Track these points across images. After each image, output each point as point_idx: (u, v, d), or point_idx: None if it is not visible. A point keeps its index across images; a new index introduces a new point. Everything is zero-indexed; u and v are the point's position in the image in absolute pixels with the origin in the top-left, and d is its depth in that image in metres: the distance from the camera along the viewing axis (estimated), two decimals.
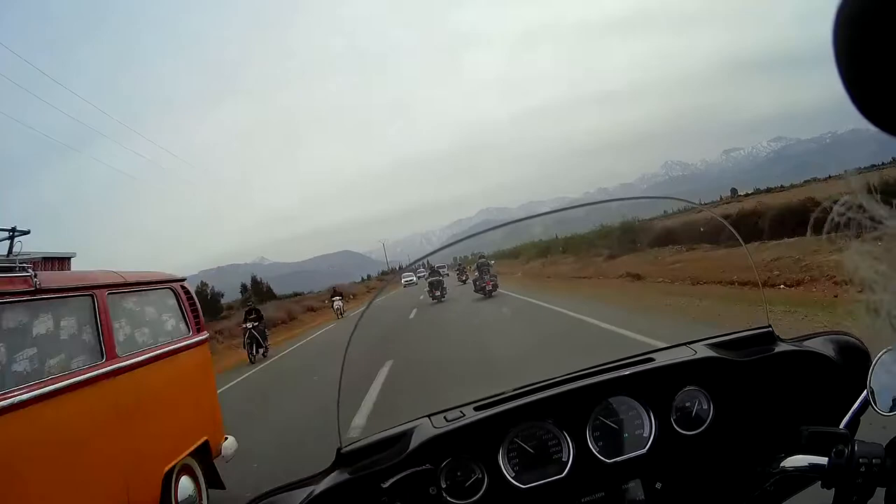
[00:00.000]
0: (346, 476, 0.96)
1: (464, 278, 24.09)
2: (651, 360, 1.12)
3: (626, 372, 1.08)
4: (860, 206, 0.41)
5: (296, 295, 46.89)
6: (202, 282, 36.36)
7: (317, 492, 0.94)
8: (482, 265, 16.48)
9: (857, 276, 0.41)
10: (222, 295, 36.44)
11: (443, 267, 19.49)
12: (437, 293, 18.01)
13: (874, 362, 0.84)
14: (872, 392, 0.84)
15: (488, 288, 16.10)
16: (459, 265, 25.80)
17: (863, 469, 0.74)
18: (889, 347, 0.81)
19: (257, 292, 39.23)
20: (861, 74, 0.35)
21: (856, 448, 0.77)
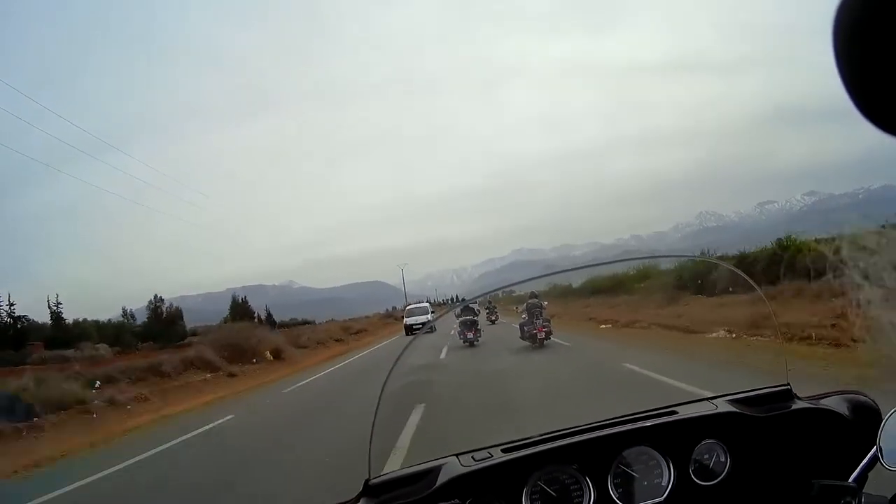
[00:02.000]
0: None
1: (493, 318, 21.49)
2: (674, 412, 1.17)
3: (650, 423, 1.12)
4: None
5: (304, 323, 42.29)
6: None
7: None
8: (533, 306, 12.45)
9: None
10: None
11: (475, 304, 16.02)
12: (470, 335, 14.45)
13: (884, 421, 0.92)
14: (881, 449, 0.91)
15: (540, 336, 12.11)
16: (490, 303, 23.01)
17: None
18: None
19: (242, 313, 36.02)
20: (861, 75, 0.35)
21: (862, 500, 0.88)
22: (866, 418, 1.10)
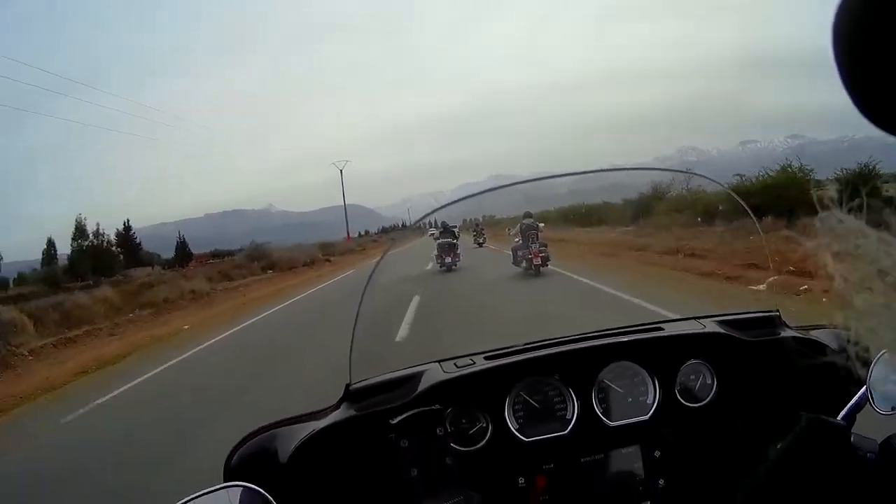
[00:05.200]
0: (352, 412, 0.96)
1: (480, 241, 19.97)
2: (660, 328, 1.14)
3: (635, 337, 1.10)
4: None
5: (226, 255, 36.86)
6: None
7: (321, 426, 0.94)
8: (527, 228, 10.23)
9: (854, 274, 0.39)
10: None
11: (455, 227, 14.63)
12: (448, 259, 13.29)
13: (873, 362, 0.85)
14: (870, 391, 0.90)
15: (536, 262, 10.12)
16: (477, 225, 22.00)
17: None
18: (887, 349, 0.72)
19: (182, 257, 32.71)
20: (862, 75, 0.35)
21: (851, 440, 0.85)
22: (855, 356, 0.80)
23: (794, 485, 0.92)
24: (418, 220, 1.52)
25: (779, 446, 0.87)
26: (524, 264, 10.29)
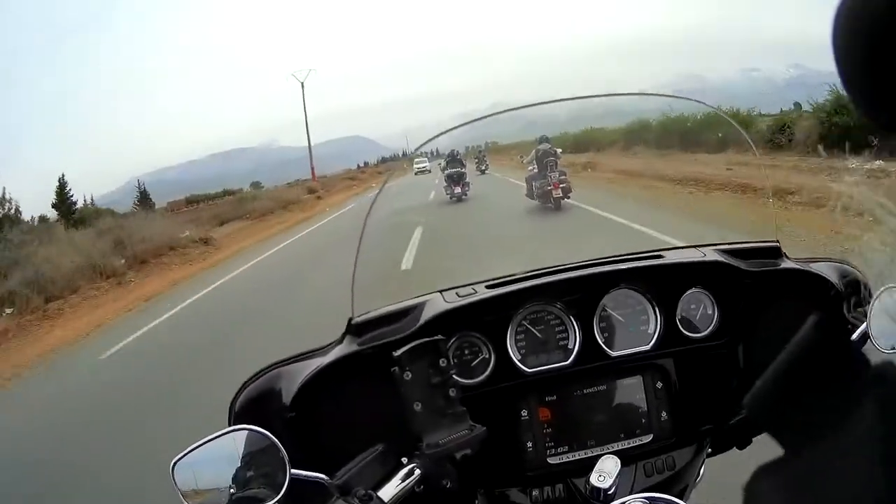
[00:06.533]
0: (355, 346, 0.96)
1: (483, 168, 19.84)
2: (661, 256, 1.13)
3: (635, 265, 1.08)
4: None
5: (202, 200, 33.20)
6: None
7: (326, 361, 0.94)
8: (545, 154, 9.03)
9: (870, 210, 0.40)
10: None
11: (461, 155, 14.47)
12: (458, 189, 13.10)
13: (874, 298, 0.88)
14: (870, 327, 0.88)
15: (556, 193, 8.82)
16: (480, 153, 22.33)
17: None
18: (890, 285, 0.89)
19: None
20: (862, 75, 0.36)
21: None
22: (856, 291, 1.06)
23: (800, 378, 0.94)
24: (417, 149, 1.41)
25: (787, 348, 0.87)
26: (541, 198, 9.29)
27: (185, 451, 0.72)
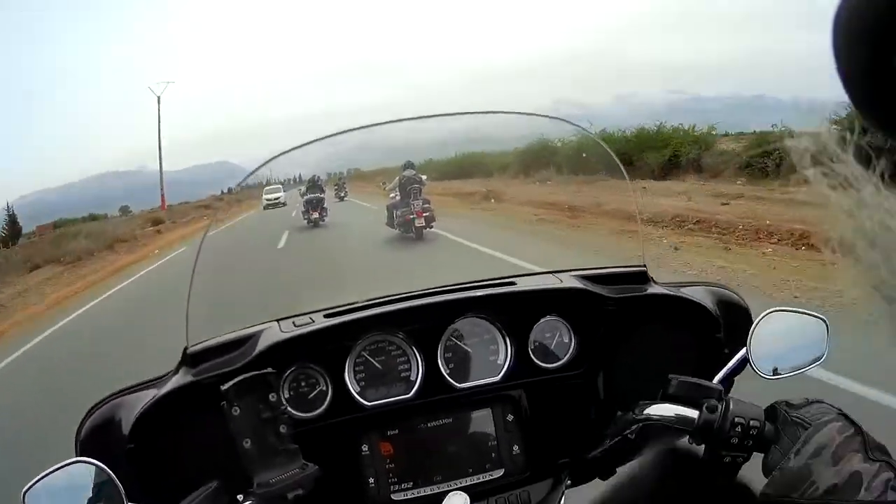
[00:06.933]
0: (189, 378, 0.92)
1: (342, 194, 19.75)
2: (513, 283, 1.10)
3: (483, 293, 1.05)
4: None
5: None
6: None
7: (161, 393, 0.91)
8: (408, 181, 8.81)
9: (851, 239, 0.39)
10: None
11: (321, 181, 14.85)
12: (315, 215, 13.22)
13: (756, 322, 0.87)
14: (751, 353, 0.86)
15: (418, 222, 8.64)
16: (340, 179, 21.83)
17: (738, 429, 0.76)
18: (770, 310, 0.87)
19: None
20: (862, 74, 0.35)
21: (731, 406, 0.77)
22: (734, 316, 1.04)
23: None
24: (244, 180, 1.37)
25: (646, 411, 0.85)
26: (402, 227, 9.01)
27: (34, 480, 0.71)
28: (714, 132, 14.52)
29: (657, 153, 13.73)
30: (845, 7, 0.34)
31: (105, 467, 0.73)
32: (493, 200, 13.47)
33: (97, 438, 0.90)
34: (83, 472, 0.74)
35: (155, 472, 0.89)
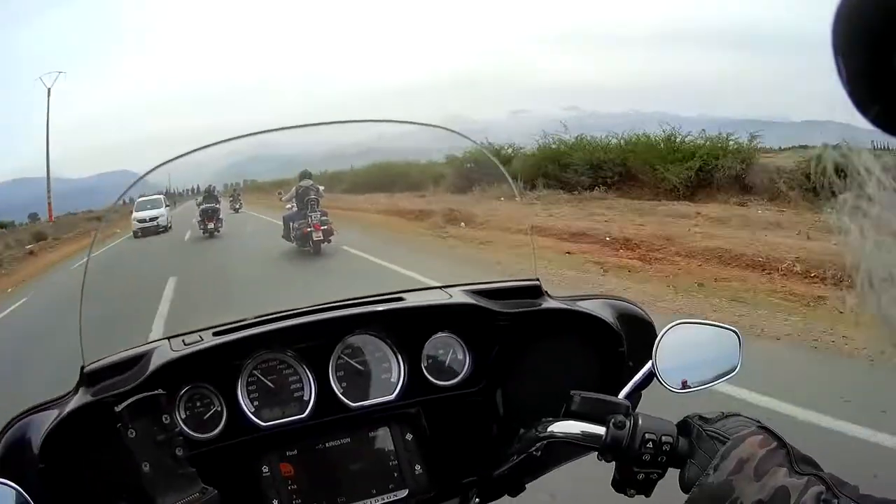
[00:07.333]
0: (88, 398, 0.89)
1: (237, 206, 19.10)
2: (401, 299, 1.07)
3: (369, 309, 1.03)
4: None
5: None
6: None
7: (63, 413, 0.87)
8: (305, 192, 8.41)
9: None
10: None
11: (217, 191, 15.16)
12: (211, 225, 13.43)
13: (661, 334, 0.85)
14: (657, 366, 0.84)
15: (316, 236, 8.26)
16: (235, 191, 21.26)
17: (650, 445, 0.73)
18: (677, 322, 0.86)
19: None
20: (862, 74, 0.35)
21: (640, 422, 0.75)
22: (636, 329, 1.03)
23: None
24: (132, 185, 1.20)
25: (550, 429, 0.82)
26: (300, 241, 8.61)
27: None
28: (757, 143, 11.94)
29: (679, 166, 11.63)
30: (845, 7, 0.34)
31: (18, 488, 0.72)
32: (463, 224, 11.22)
33: (14, 456, 0.87)
34: (3, 493, 0.73)
35: (66, 493, 0.86)
